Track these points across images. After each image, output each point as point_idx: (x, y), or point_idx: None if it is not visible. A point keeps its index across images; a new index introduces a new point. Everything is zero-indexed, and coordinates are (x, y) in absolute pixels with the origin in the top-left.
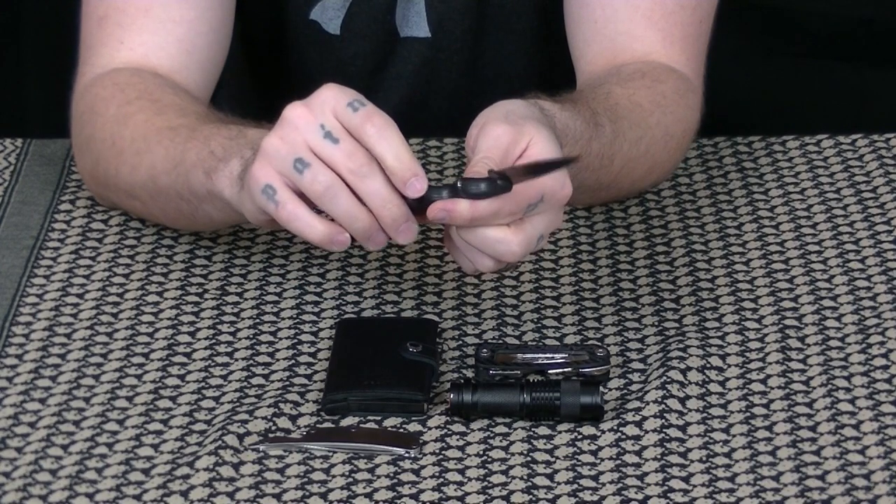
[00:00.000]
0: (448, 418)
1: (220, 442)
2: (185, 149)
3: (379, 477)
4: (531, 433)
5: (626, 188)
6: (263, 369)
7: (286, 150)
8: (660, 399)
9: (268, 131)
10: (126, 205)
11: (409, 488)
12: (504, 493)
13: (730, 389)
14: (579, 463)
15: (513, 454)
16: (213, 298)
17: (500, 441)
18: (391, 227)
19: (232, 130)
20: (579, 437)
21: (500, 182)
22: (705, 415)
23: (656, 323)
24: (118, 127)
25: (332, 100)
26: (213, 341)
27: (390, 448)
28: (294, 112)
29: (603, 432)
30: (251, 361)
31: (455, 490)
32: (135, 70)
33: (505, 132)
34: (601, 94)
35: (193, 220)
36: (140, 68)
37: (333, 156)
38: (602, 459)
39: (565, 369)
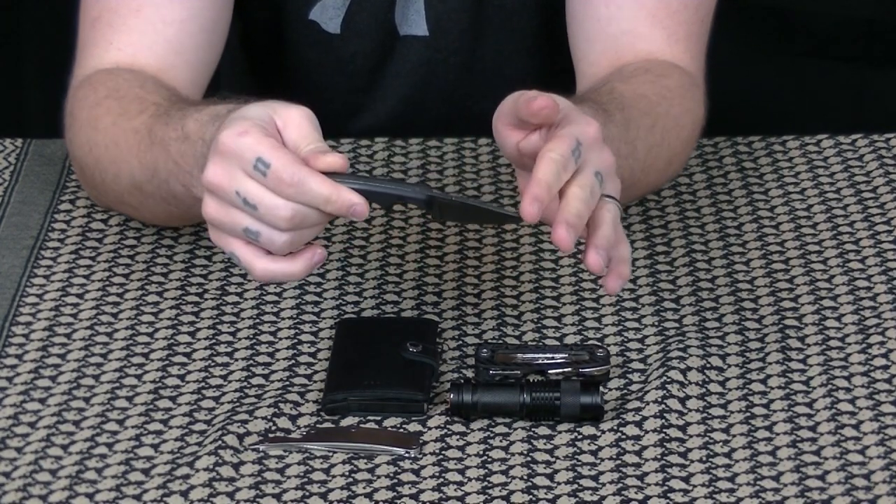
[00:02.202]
0: (448, 418)
1: (220, 442)
2: (153, 158)
3: (379, 477)
4: (531, 433)
5: (653, 181)
6: (263, 369)
7: (229, 222)
8: (660, 399)
9: (202, 117)
10: (119, 209)
11: (409, 488)
12: (504, 493)
13: (730, 389)
14: (579, 463)
15: (513, 454)
16: (213, 298)
17: (500, 441)
18: (346, 214)
19: (177, 128)
20: (579, 437)
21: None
22: (705, 415)
23: (656, 323)
24: (91, 132)
25: (235, 157)
26: (213, 341)
27: (390, 448)
28: (210, 177)
29: (603, 432)
30: (251, 361)
31: (455, 490)
32: (115, 69)
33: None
34: (604, 91)
35: (187, 218)
36: (125, 68)
37: (264, 221)
38: (602, 459)
39: (565, 369)
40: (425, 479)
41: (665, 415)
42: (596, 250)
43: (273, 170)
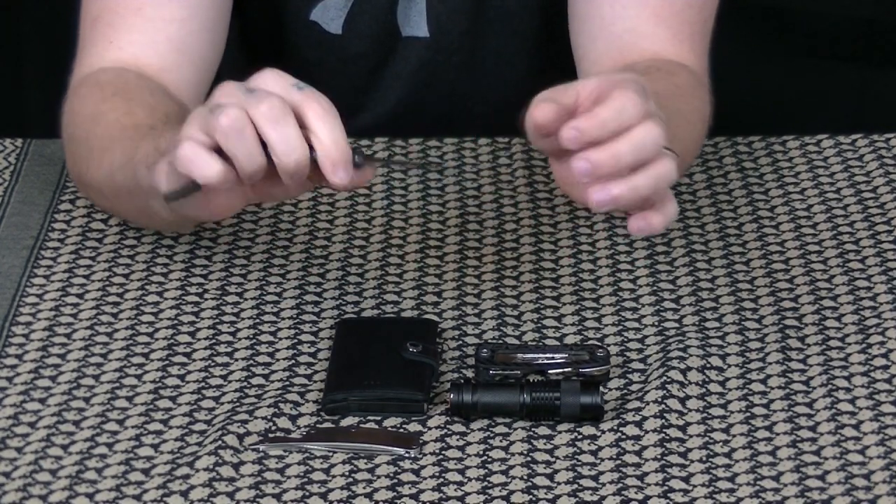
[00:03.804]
0: (448, 418)
1: (220, 442)
2: (138, 146)
3: (379, 477)
4: (531, 433)
5: None
6: (263, 369)
7: (206, 107)
8: (660, 399)
9: None
10: (100, 203)
11: (409, 488)
12: (504, 493)
13: (730, 389)
14: (579, 463)
15: (513, 454)
16: (213, 298)
17: (500, 441)
18: (293, 175)
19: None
20: (579, 437)
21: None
22: (705, 415)
23: (656, 323)
24: (92, 125)
25: (272, 79)
26: (213, 341)
27: (390, 448)
28: (222, 87)
29: (603, 432)
30: (251, 361)
31: (455, 490)
32: (121, 69)
33: (543, 92)
34: None
35: (149, 218)
36: (128, 68)
37: (248, 103)
38: (602, 459)
39: (565, 369)
40: (425, 479)
41: (665, 415)
42: (568, 127)
43: (312, 90)
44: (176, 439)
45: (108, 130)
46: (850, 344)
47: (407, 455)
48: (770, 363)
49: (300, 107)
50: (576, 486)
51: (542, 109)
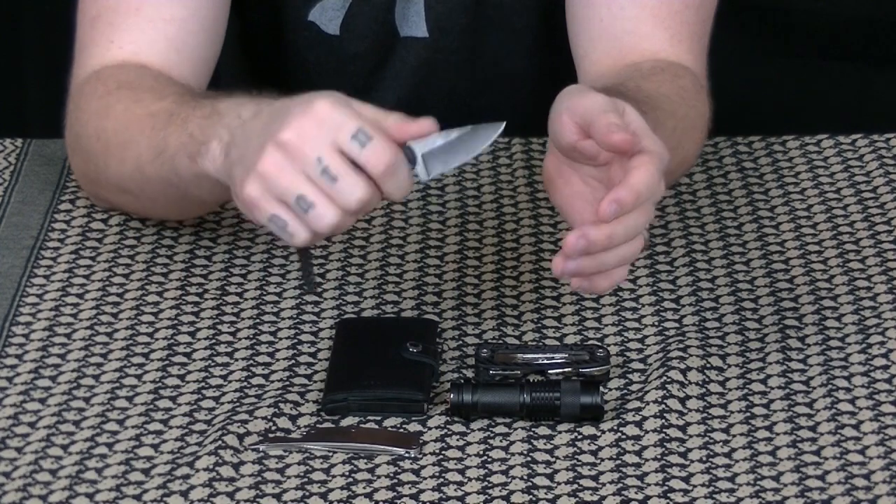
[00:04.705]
0: (448, 418)
1: (220, 442)
2: (165, 135)
3: (379, 477)
4: (531, 433)
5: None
6: (263, 369)
7: (287, 183)
8: (660, 399)
9: (239, 100)
10: (117, 200)
11: (409, 488)
12: (504, 493)
13: (730, 389)
14: (579, 463)
15: (513, 454)
16: (213, 298)
17: (500, 441)
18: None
19: (206, 108)
20: (579, 437)
21: None
22: (705, 415)
23: (656, 323)
24: (101, 120)
25: (331, 125)
26: (213, 341)
27: (390, 448)
28: (290, 136)
29: (603, 432)
30: (251, 361)
31: (455, 490)
32: (122, 64)
33: (601, 98)
34: (632, 88)
35: (183, 205)
36: (131, 64)
37: (334, 195)
38: (602, 459)
39: (565, 369)
40: (425, 479)
41: (665, 415)
42: (609, 199)
43: (373, 145)
44: (176, 439)
45: (120, 122)
46: (850, 344)
47: (407, 455)
48: (770, 363)
49: (366, 166)
50: (576, 486)
51: (625, 137)
